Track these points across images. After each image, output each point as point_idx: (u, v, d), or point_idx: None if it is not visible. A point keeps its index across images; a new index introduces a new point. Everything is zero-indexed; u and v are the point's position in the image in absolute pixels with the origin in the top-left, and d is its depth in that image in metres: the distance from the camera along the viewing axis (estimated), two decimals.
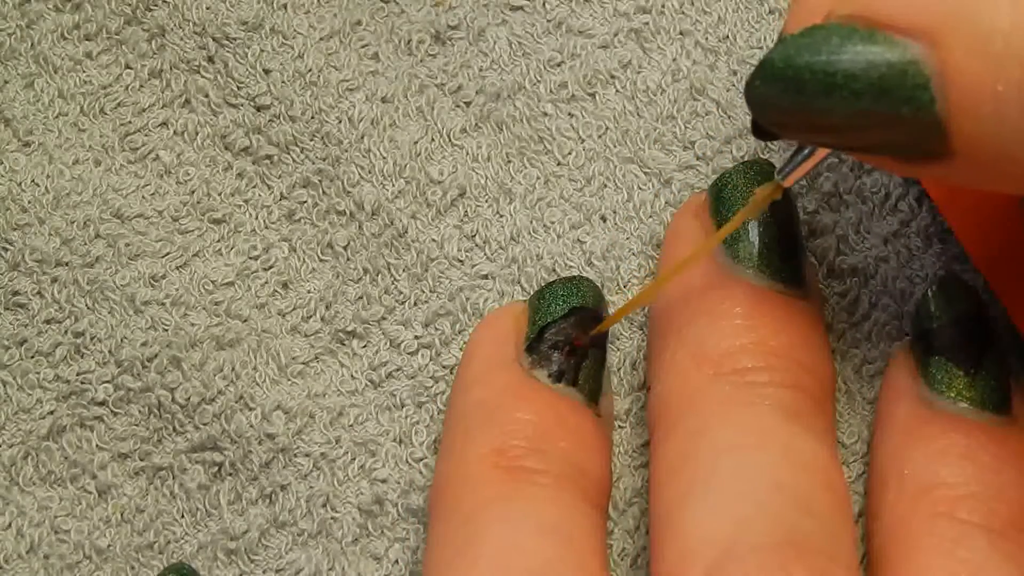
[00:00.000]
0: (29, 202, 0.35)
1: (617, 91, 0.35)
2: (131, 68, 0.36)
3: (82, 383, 0.34)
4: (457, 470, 0.31)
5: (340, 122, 0.35)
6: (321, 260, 0.35)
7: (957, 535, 0.29)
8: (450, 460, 0.31)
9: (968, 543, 0.29)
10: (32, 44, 0.36)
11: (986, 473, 0.30)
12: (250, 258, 0.35)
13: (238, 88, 0.36)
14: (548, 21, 0.36)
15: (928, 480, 0.30)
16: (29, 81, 0.36)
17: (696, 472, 0.30)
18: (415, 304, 0.35)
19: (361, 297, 0.35)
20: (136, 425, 0.34)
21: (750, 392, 0.30)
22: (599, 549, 0.30)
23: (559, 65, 0.36)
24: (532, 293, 0.33)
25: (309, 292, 0.35)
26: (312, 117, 0.35)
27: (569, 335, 0.32)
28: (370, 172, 0.35)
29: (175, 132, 0.36)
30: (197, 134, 0.36)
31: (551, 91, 0.35)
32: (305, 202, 0.35)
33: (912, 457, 0.31)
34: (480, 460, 0.31)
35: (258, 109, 0.36)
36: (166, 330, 0.34)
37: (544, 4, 0.36)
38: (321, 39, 0.36)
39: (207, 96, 0.36)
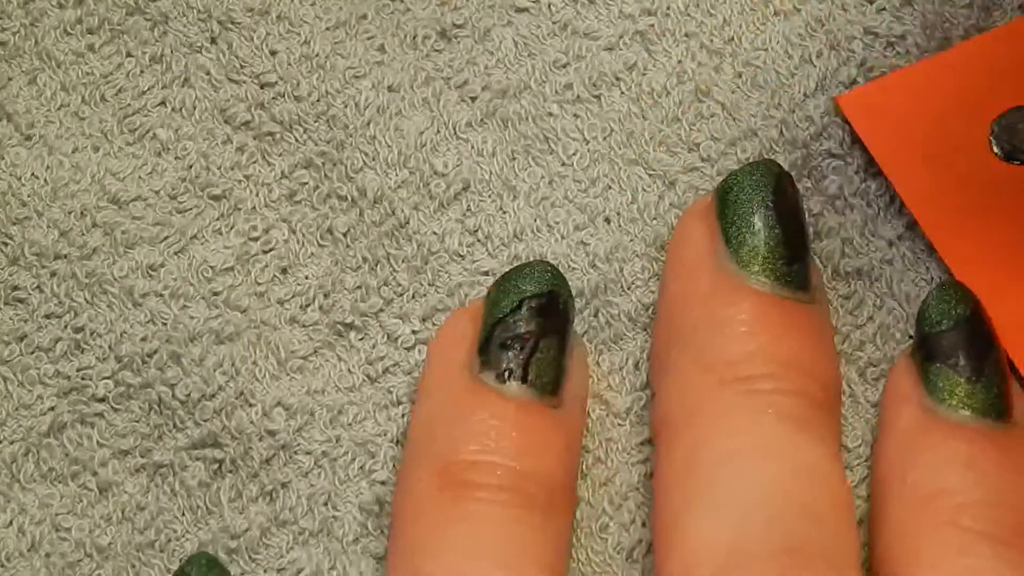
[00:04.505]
0: (28, 196, 0.35)
1: (622, 93, 0.35)
2: (132, 56, 0.36)
3: (82, 379, 0.34)
4: (405, 497, 0.31)
5: (346, 106, 0.35)
6: (320, 245, 0.35)
7: (961, 543, 0.29)
8: (400, 485, 0.31)
9: (972, 551, 0.29)
10: (36, 41, 0.36)
11: (989, 480, 0.30)
12: (250, 239, 0.35)
13: (241, 66, 0.35)
14: (553, 23, 0.36)
15: (931, 488, 0.30)
16: (32, 77, 0.36)
17: (698, 481, 0.30)
18: (413, 297, 0.34)
19: (359, 287, 0.34)
20: (136, 422, 0.34)
21: (753, 400, 0.31)
22: (550, 556, 0.30)
23: (564, 67, 0.36)
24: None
25: (307, 279, 0.35)
26: (318, 99, 0.35)
27: (521, 330, 0.32)
28: (374, 159, 0.35)
29: (172, 109, 0.35)
30: (195, 108, 0.35)
31: (556, 92, 0.35)
32: (306, 183, 0.35)
33: (915, 465, 0.31)
34: (424, 484, 0.31)
35: (262, 86, 0.35)
36: (165, 324, 0.34)
37: (549, 6, 0.36)
38: (327, 28, 0.36)
39: (208, 73, 0.35)
